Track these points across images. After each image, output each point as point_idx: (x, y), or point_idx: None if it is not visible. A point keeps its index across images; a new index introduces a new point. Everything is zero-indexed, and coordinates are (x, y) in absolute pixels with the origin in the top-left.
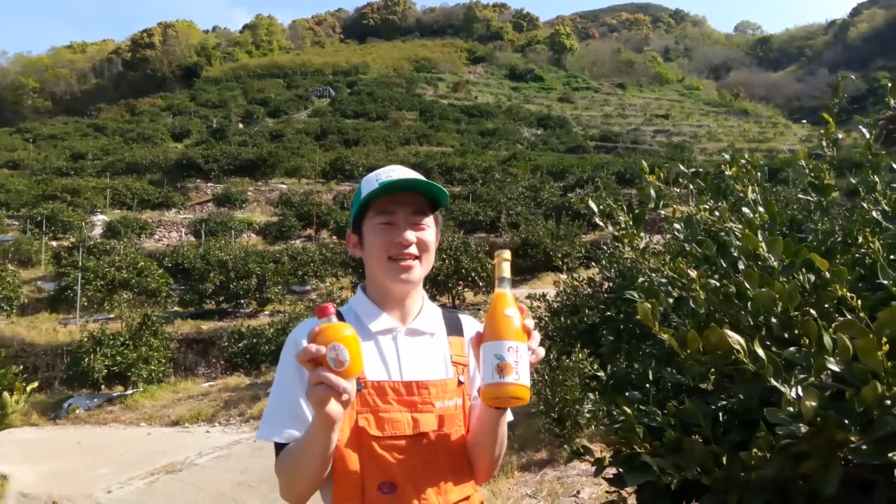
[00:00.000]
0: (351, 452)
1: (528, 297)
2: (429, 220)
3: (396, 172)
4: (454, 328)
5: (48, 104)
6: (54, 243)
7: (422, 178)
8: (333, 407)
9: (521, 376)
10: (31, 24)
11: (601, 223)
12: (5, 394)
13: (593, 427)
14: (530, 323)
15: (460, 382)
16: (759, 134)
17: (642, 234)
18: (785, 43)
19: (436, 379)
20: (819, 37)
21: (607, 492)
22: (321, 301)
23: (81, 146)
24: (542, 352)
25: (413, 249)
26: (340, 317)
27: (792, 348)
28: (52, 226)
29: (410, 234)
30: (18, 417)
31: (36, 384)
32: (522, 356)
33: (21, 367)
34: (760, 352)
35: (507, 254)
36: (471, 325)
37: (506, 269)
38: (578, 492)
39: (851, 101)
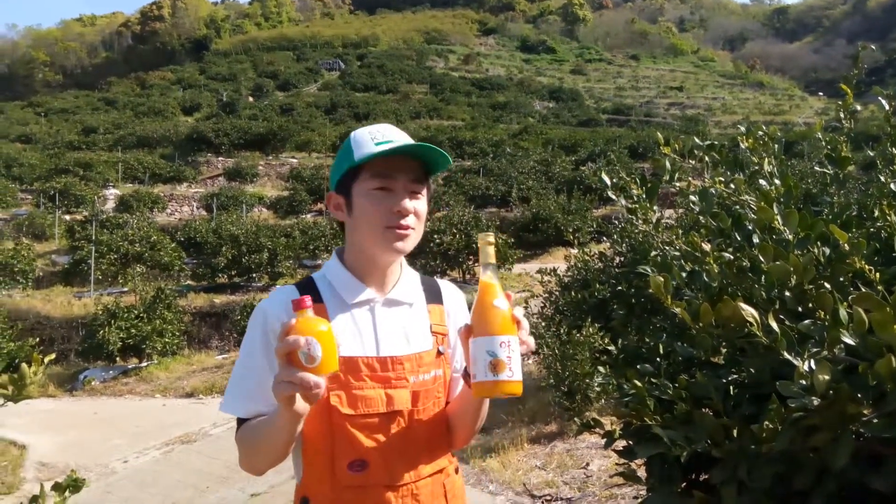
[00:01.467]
0: (321, 431)
1: (539, 271)
2: (424, 189)
3: (390, 133)
4: (433, 296)
5: (59, 78)
6: (67, 217)
7: (424, 143)
8: (300, 404)
9: (514, 372)
10: None
11: (614, 196)
12: (23, 365)
13: (603, 401)
14: (520, 312)
15: (439, 353)
16: (774, 106)
17: (655, 208)
18: (802, 13)
19: (411, 353)
20: (837, 7)
21: (617, 464)
22: None
23: (92, 120)
24: (532, 342)
25: (410, 219)
26: (317, 296)
27: (807, 321)
28: (64, 200)
29: (409, 203)
30: (36, 389)
31: (53, 356)
32: (515, 350)
33: (37, 339)
34: (774, 325)
35: (491, 237)
36: (450, 291)
37: (490, 254)
38: (588, 464)
39: (869, 73)
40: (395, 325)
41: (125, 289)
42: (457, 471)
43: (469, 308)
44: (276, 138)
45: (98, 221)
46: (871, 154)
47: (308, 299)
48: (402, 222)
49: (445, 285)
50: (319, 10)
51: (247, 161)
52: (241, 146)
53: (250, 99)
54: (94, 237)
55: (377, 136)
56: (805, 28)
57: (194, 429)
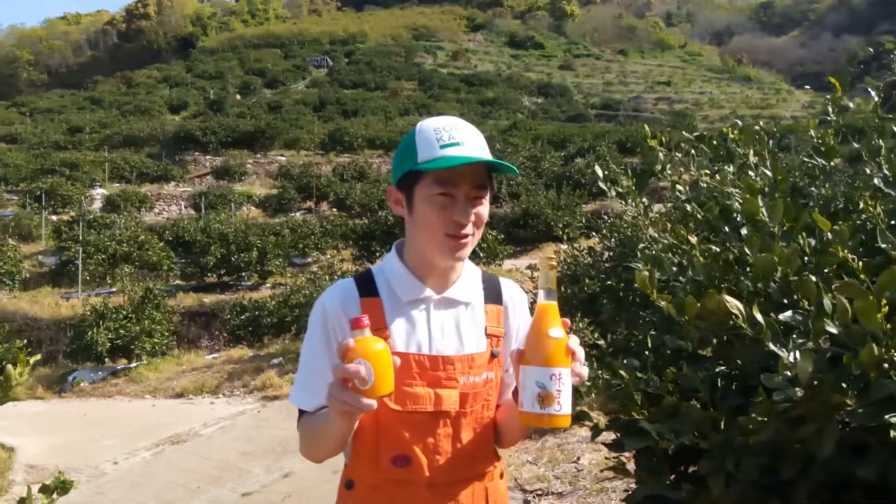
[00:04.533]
0: (369, 422)
1: (529, 267)
2: (486, 193)
3: (457, 132)
4: (493, 295)
5: (44, 77)
6: (54, 217)
7: (485, 148)
8: (352, 416)
9: (563, 406)
10: None
11: (605, 188)
12: (9, 366)
13: (593, 395)
14: (575, 342)
15: (493, 356)
16: (761, 100)
17: (644, 201)
18: (788, 7)
19: (463, 354)
20: (823, 0)
21: (607, 458)
22: (322, 273)
23: (78, 119)
24: (585, 373)
25: (469, 228)
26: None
27: (790, 312)
28: (51, 200)
29: (470, 212)
30: (24, 391)
31: (39, 357)
32: (566, 383)
33: (25, 341)
34: (759, 316)
35: (554, 260)
36: (511, 290)
37: (551, 279)
38: (578, 458)
39: (855, 66)
40: (449, 324)
41: (113, 289)
42: (501, 475)
43: (531, 312)
44: (264, 136)
45: (85, 221)
46: (857, 146)
47: (366, 318)
48: (463, 232)
49: (507, 284)
50: (306, 6)
51: (235, 159)
52: (229, 144)
53: (238, 97)
54: (81, 237)
55: (443, 137)
56: (791, 22)
57: (184, 429)
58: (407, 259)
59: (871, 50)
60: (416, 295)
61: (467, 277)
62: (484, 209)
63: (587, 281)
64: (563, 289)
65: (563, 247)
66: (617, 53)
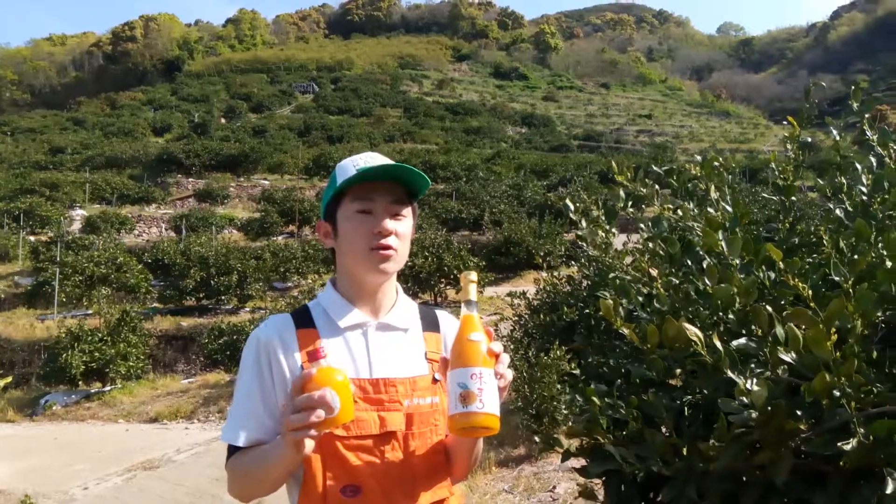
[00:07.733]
0: (314, 454)
1: (510, 294)
2: (407, 210)
3: (375, 160)
4: (430, 324)
5: (27, 97)
6: (32, 238)
7: (402, 164)
8: (308, 447)
9: (486, 404)
10: (8, 15)
11: (575, 218)
12: None
13: (570, 423)
14: (497, 346)
15: (435, 380)
16: (740, 135)
17: (614, 232)
18: (766, 45)
19: (404, 376)
20: (800, 39)
21: (580, 486)
22: (303, 299)
23: (60, 140)
24: (510, 375)
25: (392, 240)
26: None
27: (744, 339)
28: (30, 220)
29: (389, 224)
30: None
31: (9, 379)
32: (488, 383)
33: None
34: (718, 344)
35: (474, 275)
36: (448, 321)
37: (472, 292)
38: (555, 487)
39: (831, 104)
40: (389, 348)
41: (89, 311)
42: None
43: None
44: (248, 160)
45: (63, 242)
46: (821, 182)
47: (323, 349)
48: (384, 242)
49: (443, 315)
50: (294, 33)
51: (218, 182)
52: (212, 167)
53: (223, 120)
54: (58, 258)
55: (359, 163)
56: (769, 59)
57: (157, 454)
58: (340, 288)
59: (824, 85)
60: (353, 320)
61: (403, 307)
62: (402, 226)
63: (565, 309)
64: (542, 316)
65: (544, 275)
66: (599, 86)
